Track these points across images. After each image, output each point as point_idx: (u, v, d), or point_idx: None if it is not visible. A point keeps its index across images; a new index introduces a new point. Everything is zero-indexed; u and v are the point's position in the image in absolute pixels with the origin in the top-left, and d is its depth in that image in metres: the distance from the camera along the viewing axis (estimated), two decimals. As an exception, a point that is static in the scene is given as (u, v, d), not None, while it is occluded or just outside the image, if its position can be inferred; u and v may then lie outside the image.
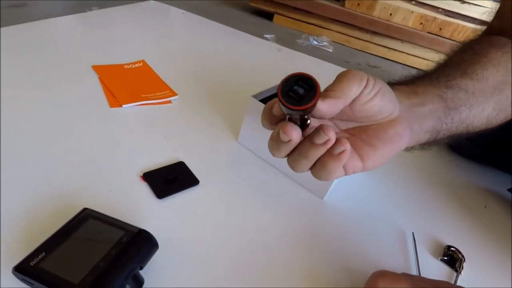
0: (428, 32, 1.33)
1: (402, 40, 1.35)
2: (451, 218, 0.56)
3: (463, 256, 0.48)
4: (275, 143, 0.32)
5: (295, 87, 0.26)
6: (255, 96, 0.55)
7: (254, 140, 0.57)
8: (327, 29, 1.39)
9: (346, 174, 0.34)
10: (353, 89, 0.31)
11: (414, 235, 0.50)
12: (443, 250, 0.49)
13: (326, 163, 0.31)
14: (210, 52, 0.93)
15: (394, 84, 0.40)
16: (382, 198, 0.56)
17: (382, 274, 0.35)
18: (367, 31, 1.38)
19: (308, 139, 0.31)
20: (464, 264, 0.47)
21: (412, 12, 1.32)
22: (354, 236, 0.48)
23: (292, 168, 0.34)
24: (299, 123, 0.31)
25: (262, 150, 0.57)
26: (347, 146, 0.31)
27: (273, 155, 0.34)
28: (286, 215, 0.48)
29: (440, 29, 1.32)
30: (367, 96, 0.32)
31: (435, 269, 0.46)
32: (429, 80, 0.41)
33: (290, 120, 0.31)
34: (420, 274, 0.43)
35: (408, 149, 0.41)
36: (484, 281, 0.46)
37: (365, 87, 0.32)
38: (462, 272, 0.46)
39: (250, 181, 0.52)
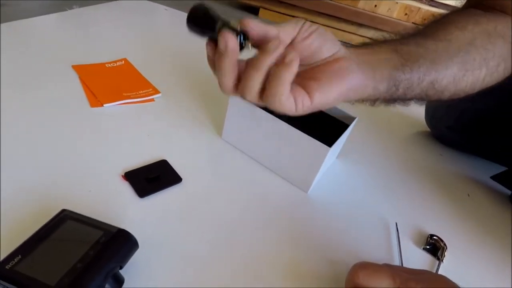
0: (413, 23, 1.33)
1: (387, 32, 1.34)
2: (434, 207, 0.57)
3: (445, 244, 0.48)
4: (217, 60, 0.34)
5: None
6: None
7: (237, 136, 0.57)
8: (313, 22, 1.38)
9: (296, 109, 0.34)
10: (288, 26, 0.34)
11: (397, 226, 0.50)
12: (426, 239, 0.49)
13: (278, 74, 0.31)
14: (194, 48, 0.92)
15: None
16: (366, 189, 0.57)
17: (362, 266, 0.35)
18: (352, 23, 1.38)
19: (260, 50, 0.32)
20: (446, 252, 0.48)
21: (397, 3, 1.33)
22: (338, 228, 0.48)
23: (243, 92, 0.34)
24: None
25: (246, 145, 0.57)
26: (294, 54, 0.31)
27: (220, 83, 0.35)
28: (270, 210, 0.48)
29: (425, 19, 1.31)
30: (305, 33, 0.34)
31: (418, 258, 0.46)
32: (384, 41, 0.41)
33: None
34: (402, 264, 0.44)
35: (371, 102, 0.42)
36: (466, 268, 0.47)
37: (302, 26, 0.34)
38: (444, 260, 0.46)
39: (234, 177, 0.52)
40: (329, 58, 0.35)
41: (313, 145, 0.47)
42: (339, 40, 0.36)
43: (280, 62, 0.31)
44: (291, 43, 0.34)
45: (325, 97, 0.34)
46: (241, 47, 0.32)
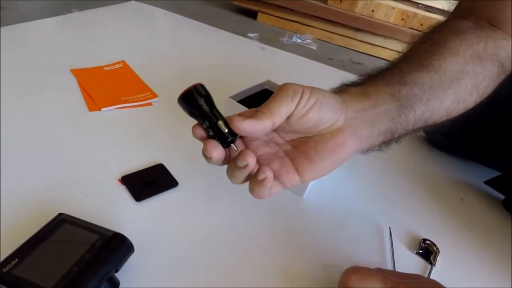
0: (409, 28, 1.34)
1: (384, 36, 1.36)
2: (428, 212, 0.57)
3: (438, 248, 0.49)
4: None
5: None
6: (233, 97, 0.55)
7: None
8: (311, 26, 1.39)
9: (285, 187, 0.34)
10: (283, 108, 0.31)
11: (391, 230, 0.51)
12: (419, 243, 0.50)
13: (252, 186, 0.33)
14: (193, 52, 0.93)
15: (347, 86, 0.39)
16: (360, 193, 0.57)
17: (354, 270, 0.36)
18: (350, 27, 1.39)
19: (232, 160, 0.33)
20: (439, 257, 0.48)
21: (394, 8, 1.34)
22: (332, 232, 0.49)
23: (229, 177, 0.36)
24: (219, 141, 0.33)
25: None
26: (268, 173, 0.31)
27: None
28: (265, 214, 0.49)
29: (421, 24, 1.33)
30: (302, 110, 0.32)
31: (410, 263, 0.47)
32: (383, 78, 0.40)
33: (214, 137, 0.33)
34: (395, 268, 0.44)
35: (364, 152, 0.42)
36: (458, 273, 0.48)
37: (299, 102, 0.32)
38: (436, 265, 0.47)
39: (228, 181, 0.52)
40: (328, 128, 0.34)
41: None
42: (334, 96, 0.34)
43: (255, 177, 0.32)
44: (288, 118, 0.32)
45: (317, 175, 0.35)
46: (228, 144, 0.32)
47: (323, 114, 0.33)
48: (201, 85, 0.34)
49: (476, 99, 0.45)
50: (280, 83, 0.60)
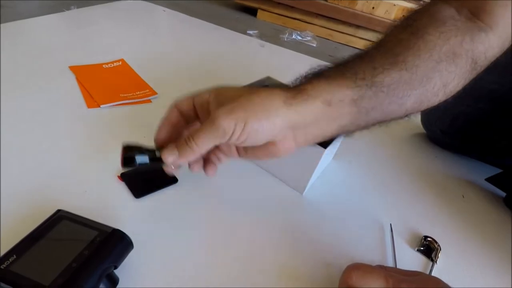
0: (410, 25, 1.34)
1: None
2: (429, 209, 0.57)
3: (439, 246, 0.49)
4: None
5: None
6: None
7: None
8: (311, 23, 1.39)
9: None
10: (211, 144, 0.35)
11: (392, 227, 0.50)
12: (420, 240, 0.50)
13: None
14: (192, 49, 0.92)
15: (310, 81, 0.37)
16: (361, 190, 0.57)
17: (355, 267, 0.36)
18: (350, 24, 1.38)
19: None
20: (440, 254, 0.48)
21: (394, 5, 1.33)
22: (332, 230, 0.48)
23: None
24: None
25: None
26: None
27: None
28: (264, 211, 0.48)
29: (422, 21, 1.32)
30: (234, 142, 0.34)
31: (412, 260, 0.47)
32: (351, 75, 0.37)
33: None
34: (396, 265, 0.44)
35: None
36: (459, 270, 0.47)
37: (230, 138, 0.34)
38: (437, 262, 0.47)
39: (229, 177, 0.52)
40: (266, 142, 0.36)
41: (309, 147, 0.47)
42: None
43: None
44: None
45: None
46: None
47: (259, 139, 0.35)
48: (127, 147, 0.40)
49: (442, 98, 0.44)
50: (280, 81, 0.61)
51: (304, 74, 0.40)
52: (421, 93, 0.41)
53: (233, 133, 0.33)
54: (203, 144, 0.35)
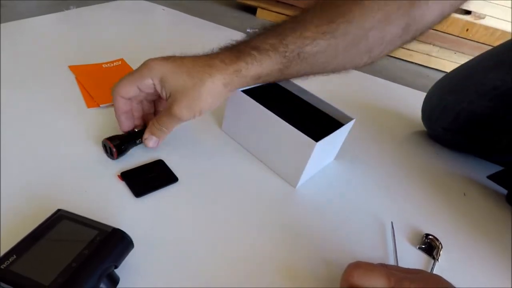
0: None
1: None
2: (430, 207, 0.57)
3: (440, 244, 0.49)
4: None
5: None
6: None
7: (235, 128, 0.59)
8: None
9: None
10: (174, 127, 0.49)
11: (393, 225, 0.50)
12: (422, 238, 0.50)
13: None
14: (191, 48, 0.91)
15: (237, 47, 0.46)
16: (362, 188, 0.57)
17: (357, 265, 0.35)
18: (350, 23, 1.38)
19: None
20: (442, 252, 0.48)
21: (394, 3, 1.33)
22: (332, 227, 0.48)
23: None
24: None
25: (243, 138, 0.58)
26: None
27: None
28: (265, 209, 0.48)
29: (422, 19, 1.32)
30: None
31: (413, 258, 0.47)
32: (280, 43, 0.44)
33: None
34: (397, 264, 0.44)
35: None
36: (461, 267, 0.47)
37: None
38: (439, 260, 0.46)
39: (230, 175, 0.52)
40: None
41: (301, 139, 0.47)
42: None
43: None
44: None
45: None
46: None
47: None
48: (110, 140, 0.48)
49: (367, 61, 0.48)
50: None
51: (244, 42, 0.46)
52: (345, 58, 0.46)
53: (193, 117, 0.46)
54: (171, 128, 0.48)
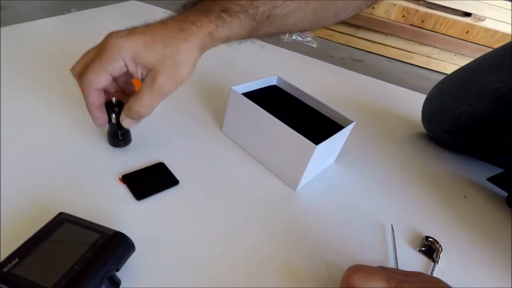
0: (410, 25, 1.34)
1: (385, 33, 1.36)
2: (430, 209, 0.57)
3: (440, 246, 0.49)
4: None
5: None
6: (237, 88, 0.56)
7: (236, 130, 0.59)
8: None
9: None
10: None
11: (393, 227, 0.50)
12: (422, 241, 0.50)
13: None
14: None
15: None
16: (362, 190, 0.57)
17: (356, 269, 0.36)
18: (350, 25, 1.38)
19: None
20: (442, 254, 0.48)
21: (395, 5, 1.33)
22: (332, 229, 0.48)
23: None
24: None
25: (243, 140, 0.59)
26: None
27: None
28: (264, 212, 0.48)
29: (423, 21, 1.33)
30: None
31: (413, 260, 0.47)
32: (253, 13, 0.43)
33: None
34: (397, 266, 0.44)
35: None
36: (461, 270, 0.47)
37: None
38: (439, 262, 0.47)
39: (230, 177, 0.52)
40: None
41: (301, 142, 0.48)
42: None
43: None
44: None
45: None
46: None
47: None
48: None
49: (333, 23, 0.51)
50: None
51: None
52: (313, 20, 0.47)
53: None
54: (154, 106, 0.45)
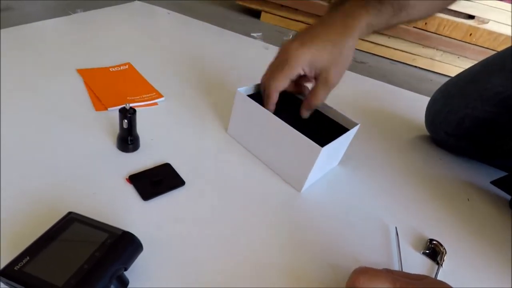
0: (414, 27, 1.34)
1: (388, 35, 1.36)
2: (434, 212, 0.57)
3: (444, 249, 0.49)
4: None
5: None
6: (243, 90, 0.57)
7: (241, 132, 0.60)
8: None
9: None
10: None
11: (397, 230, 0.51)
12: (426, 243, 0.50)
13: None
14: (197, 52, 0.93)
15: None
16: (366, 193, 0.57)
17: (362, 271, 0.36)
18: (354, 27, 1.39)
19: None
20: (446, 257, 0.48)
21: (398, 7, 1.33)
22: (336, 231, 0.49)
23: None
24: None
25: (249, 142, 0.59)
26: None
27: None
28: (271, 213, 0.49)
29: (426, 23, 1.33)
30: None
31: (417, 263, 0.47)
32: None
33: None
34: (402, 269, 0.44)
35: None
36: (465, 273, 0.48)
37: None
38: (443, 265, 0.47)
39: (236, 178, 0.53)
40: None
41: (307, 144, 0.48)
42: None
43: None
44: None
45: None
46: None
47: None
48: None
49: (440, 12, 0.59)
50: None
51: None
52: (433, 7, 0.55)
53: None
54: (325, 98, 0.54)
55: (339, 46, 0.48)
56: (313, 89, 0.53)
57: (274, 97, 0.53)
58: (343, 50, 0.49)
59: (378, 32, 0.53)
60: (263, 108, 0.53)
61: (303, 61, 0.49)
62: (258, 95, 0.57)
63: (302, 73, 0.51)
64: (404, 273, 0.38)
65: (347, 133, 0.53)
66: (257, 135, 0.56)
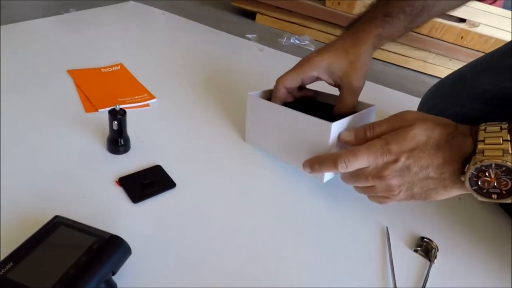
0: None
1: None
2: (426, 211, 0.57)
3: (436, 246, 0.49)
4: None
5: None
6: (257, 94, 0.57)
7: (259, 137, 0.59)
8: (309, 27, 1.39)
9: None
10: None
11: (388, 229, 0.51)
12: (417, 241, 0.50)
13: None
14: (191, 53, 0.92)
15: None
16: (357, 193, 0.57)
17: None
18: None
19: None
20: (438, 254, 0.48)
21: (391, 10, 1.34)
22: (330, 230, 0.48)
23: None
24: None
25: (267, 144, 0.58)
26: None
27: None
28: (268, 210, 0.48)
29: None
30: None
31: (409, 260, 0.47)
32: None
33: None
34: (393, 266, 0.45)
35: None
36: (456, 269, 0.48)
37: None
38: (435, 261, 0.47)
39: (226, 178, 0.52)
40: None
41: (318, 125, 0.47)
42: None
43: None
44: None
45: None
46: None
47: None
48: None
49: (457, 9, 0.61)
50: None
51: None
52: (450, 5, 0.59)
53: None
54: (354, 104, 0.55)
55: (354, 52, 0.51)
56: (340, 97, 0.54)
57: (281, 92, 0.54)
58: (359, 56, 0.51)
59: (396, 40, 0.57)
60: (273, 103, 0.54)
61: (319, 66, 0.52)
62: (268, 99, 0.57)
63: (315, 78, 0.54)
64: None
65: (362, 111, 0.53)
66: (274, 133, 0.55)
